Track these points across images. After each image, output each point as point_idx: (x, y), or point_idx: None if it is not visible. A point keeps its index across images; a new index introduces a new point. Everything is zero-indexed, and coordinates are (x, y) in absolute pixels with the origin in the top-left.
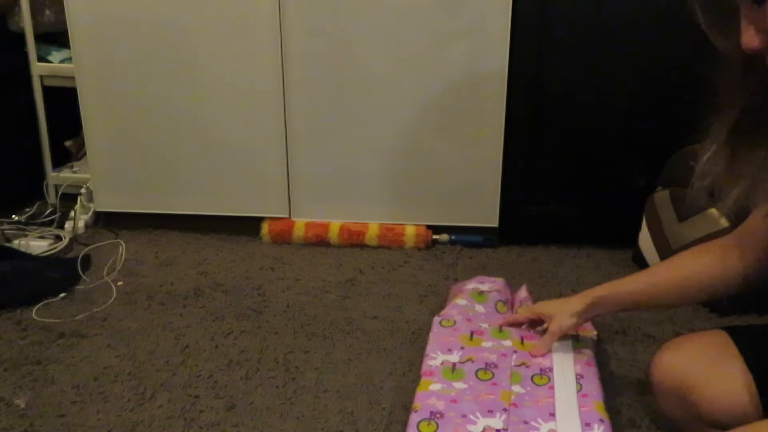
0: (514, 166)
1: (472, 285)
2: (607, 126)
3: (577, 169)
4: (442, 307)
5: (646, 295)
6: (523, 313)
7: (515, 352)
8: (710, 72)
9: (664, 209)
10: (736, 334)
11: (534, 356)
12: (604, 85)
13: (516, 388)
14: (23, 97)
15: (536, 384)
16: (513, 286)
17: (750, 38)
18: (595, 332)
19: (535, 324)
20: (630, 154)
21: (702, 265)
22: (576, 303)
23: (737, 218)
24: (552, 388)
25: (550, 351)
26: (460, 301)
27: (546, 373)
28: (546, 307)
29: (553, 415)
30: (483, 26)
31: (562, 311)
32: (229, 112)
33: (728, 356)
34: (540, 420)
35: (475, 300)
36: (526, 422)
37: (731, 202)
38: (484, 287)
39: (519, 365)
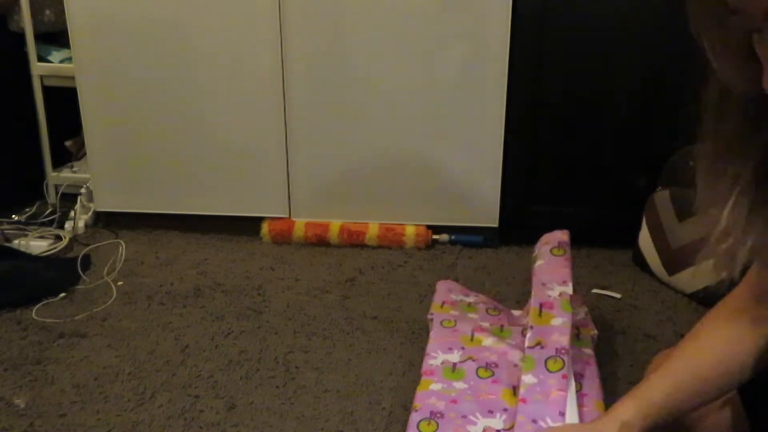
0: (514, 166)
1: (459, 296)
2: (606, 126)
3: (576, 170)
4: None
5: (667, 407)
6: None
7: (532, 327)
8: (709, 73)
9: (664, 209)
10: None
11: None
12: (604, 85)
13: (527, 378)
14: (23, 97)
15: (549, 371)
16: (512, 287)
17: None
18: (595, 331)
19: None
20: (630, 154)
21: (722, 342)
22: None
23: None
24: (565, 377)
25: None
26: (454, 312)
27: (561, 354)
28: (570, 429)
29: (563, 414)
30: (483, 26)
31: None
32: (229, 112)
33: None
34: (549, 420)
35: (466, 311)
36: (534, 421)
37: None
38: (470, 299)
39: (534, 345)
